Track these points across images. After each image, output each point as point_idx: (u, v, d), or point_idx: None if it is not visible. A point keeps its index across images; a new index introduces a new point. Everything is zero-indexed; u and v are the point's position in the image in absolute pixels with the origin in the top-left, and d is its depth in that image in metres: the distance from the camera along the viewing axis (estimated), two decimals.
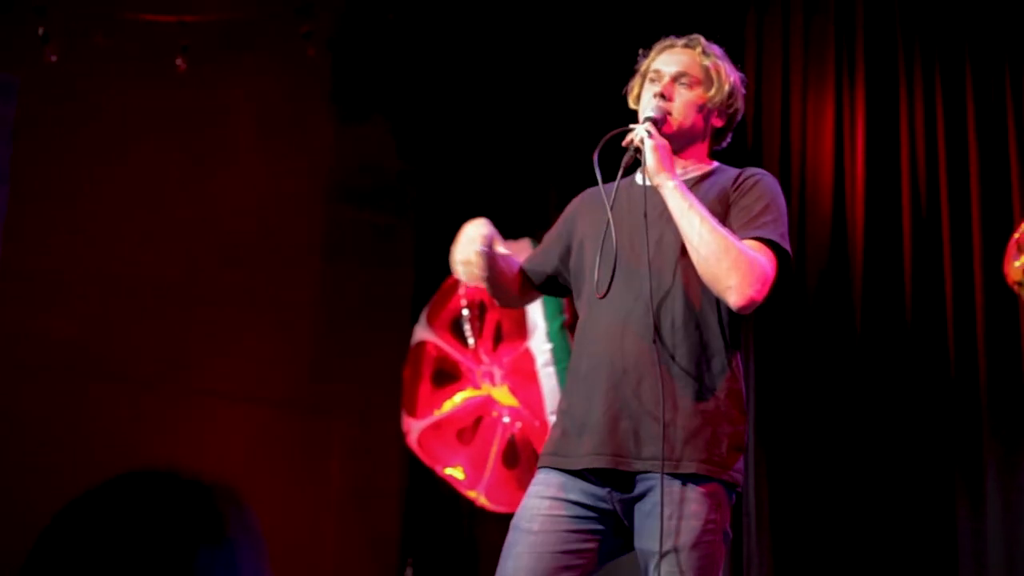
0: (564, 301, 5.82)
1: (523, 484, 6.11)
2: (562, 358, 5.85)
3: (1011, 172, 4.80)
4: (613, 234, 2.90)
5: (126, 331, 6.23)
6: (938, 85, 5.04)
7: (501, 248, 3.02)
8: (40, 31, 5.85)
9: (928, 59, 5.09)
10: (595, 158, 2.84)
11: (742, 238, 2.83)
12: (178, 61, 6.12)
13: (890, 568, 4.86)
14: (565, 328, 5.89)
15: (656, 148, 2.85)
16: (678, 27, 6.03)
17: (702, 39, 3.08)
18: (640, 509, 2.85)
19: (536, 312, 5.99)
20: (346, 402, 6.81)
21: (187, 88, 6.33)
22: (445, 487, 6.46)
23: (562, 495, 2.87)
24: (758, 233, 2.85)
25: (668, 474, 2.77)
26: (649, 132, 2.88)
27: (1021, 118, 4.81)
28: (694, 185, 2.96)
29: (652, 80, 3.03)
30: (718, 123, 3.08)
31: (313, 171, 6.94)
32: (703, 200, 2.87)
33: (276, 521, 6.45)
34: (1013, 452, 4.68)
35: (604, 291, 2.87)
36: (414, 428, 6.43)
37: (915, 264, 5.01)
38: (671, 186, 2.82)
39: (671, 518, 2.78)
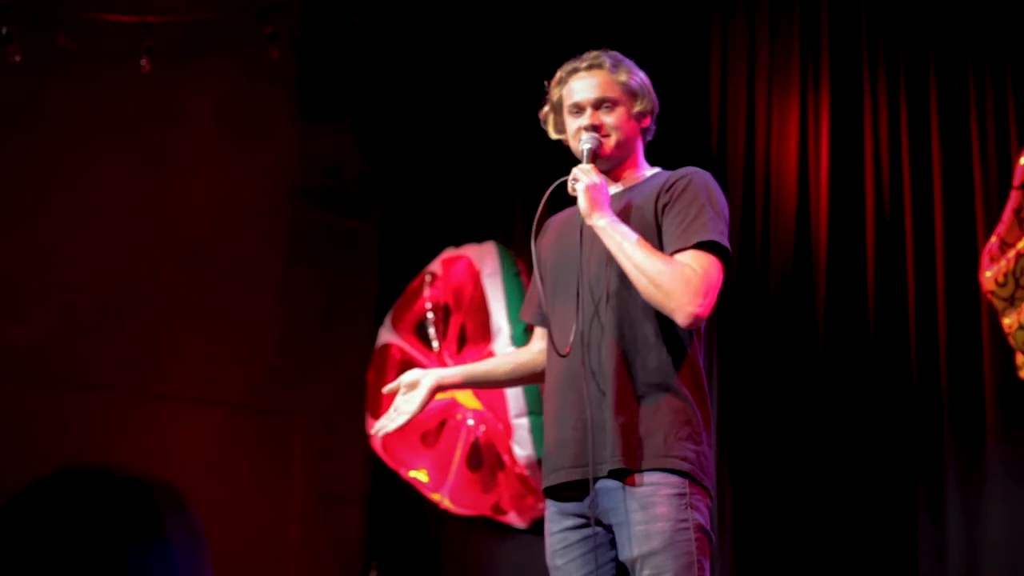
0: None
1: (487, 487, 6.12)
2: None
3: (974, 177, 4.84)
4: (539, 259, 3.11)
5: (87, 337, 6.18)
6: (902, 91, 5.07)
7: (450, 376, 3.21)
8: (3, 31, 5.79)
9: (892, 65, 5.12)
10: (543, 204, 2.99)
11: (679, 248, 2.91)
12: (142, 62, 6.08)
13: (851, 570, 4.89)
14: (529, 331, 5.89)
15: (587, 189, 2.94)
16: (643, 34, 6.07)
17: (603, 55, 3.12)
18: (613, 521, 2.90)
19: (500, 315, 5.99)
20: (310, 405, 6.79)
21: (150, 90, 6.29)
22: (409, 490, 6.45)
23: (560, 526, 3.00)
24: (694, 239, 2.91)
25: (625, 478, 2.85)
26: (582, 173, 2.96)
27: (984, 123, 4.84)
28: (626, 192, 3.06)
29: (574, 113, 3.09)
30: (646, 124, 3.14)
31: (277, 174, 6.91)
32: (632, 208, 2.99)
33: (239, 525, 6.42)
34: (973, 455, 4.71)
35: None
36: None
37: (878, 268, 5.04)
38: (602, 226, 2.91)
39: (639, 523, 2.82)
